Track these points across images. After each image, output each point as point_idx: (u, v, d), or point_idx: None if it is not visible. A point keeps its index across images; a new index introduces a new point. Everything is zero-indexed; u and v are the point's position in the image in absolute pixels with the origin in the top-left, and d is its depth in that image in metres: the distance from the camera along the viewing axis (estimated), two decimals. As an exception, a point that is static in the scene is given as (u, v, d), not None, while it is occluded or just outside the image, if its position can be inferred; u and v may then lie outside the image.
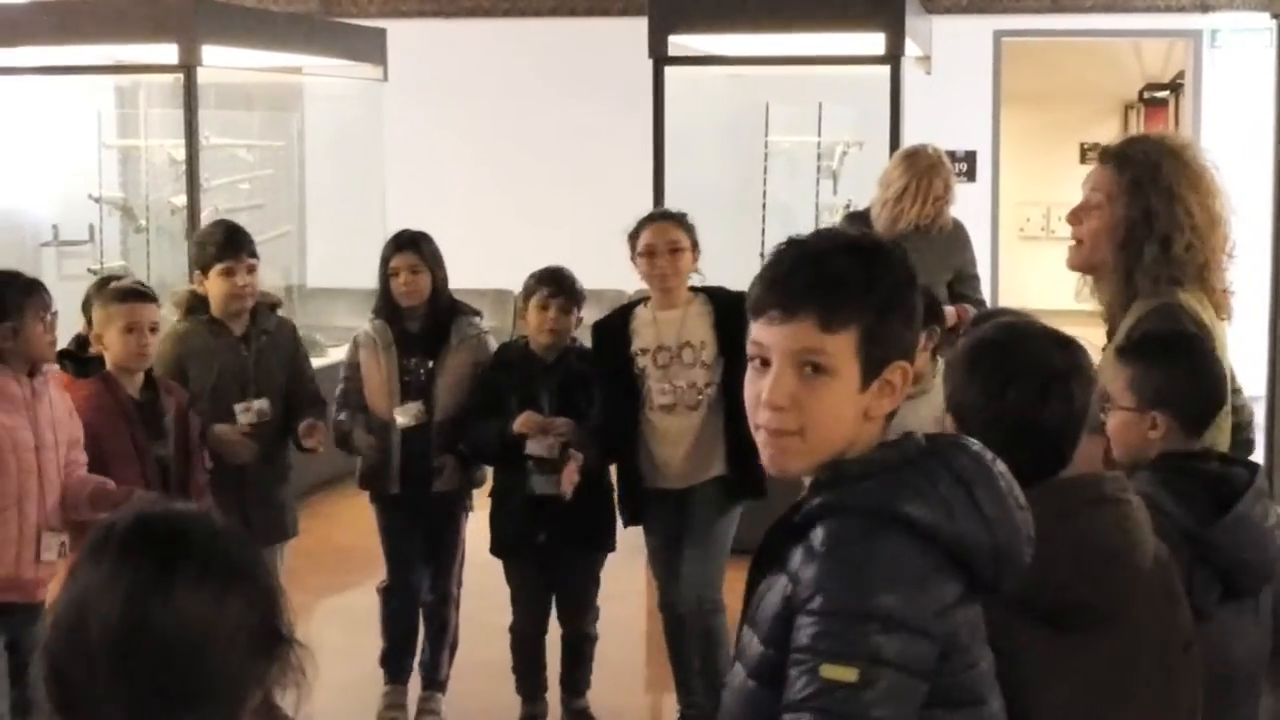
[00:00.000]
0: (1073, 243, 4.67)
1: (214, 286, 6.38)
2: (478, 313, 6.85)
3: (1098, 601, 3.09)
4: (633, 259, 6.39)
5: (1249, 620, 3.84)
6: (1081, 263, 4.67)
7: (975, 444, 2.67)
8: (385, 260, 6.62)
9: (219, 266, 6.35)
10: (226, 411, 6.35)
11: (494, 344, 6.79)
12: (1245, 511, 3.72)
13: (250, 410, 6.38)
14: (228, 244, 6.40)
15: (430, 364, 6.61)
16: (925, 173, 7.46)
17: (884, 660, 2.42)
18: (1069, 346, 3.23)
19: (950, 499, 2.52)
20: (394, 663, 6.85)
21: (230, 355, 6.41)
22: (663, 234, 6.33)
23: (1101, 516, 3.13)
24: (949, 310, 7.26)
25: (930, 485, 2.53)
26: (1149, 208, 4.47)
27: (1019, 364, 3.16)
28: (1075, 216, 4.65)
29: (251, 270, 6.43)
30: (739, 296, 2.89)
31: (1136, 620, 3.15)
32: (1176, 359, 3.85)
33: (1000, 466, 2.63)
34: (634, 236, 6.39)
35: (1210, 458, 3.76)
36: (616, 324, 6.46)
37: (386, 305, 6.66)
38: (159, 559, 2.08)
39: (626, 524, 6.54)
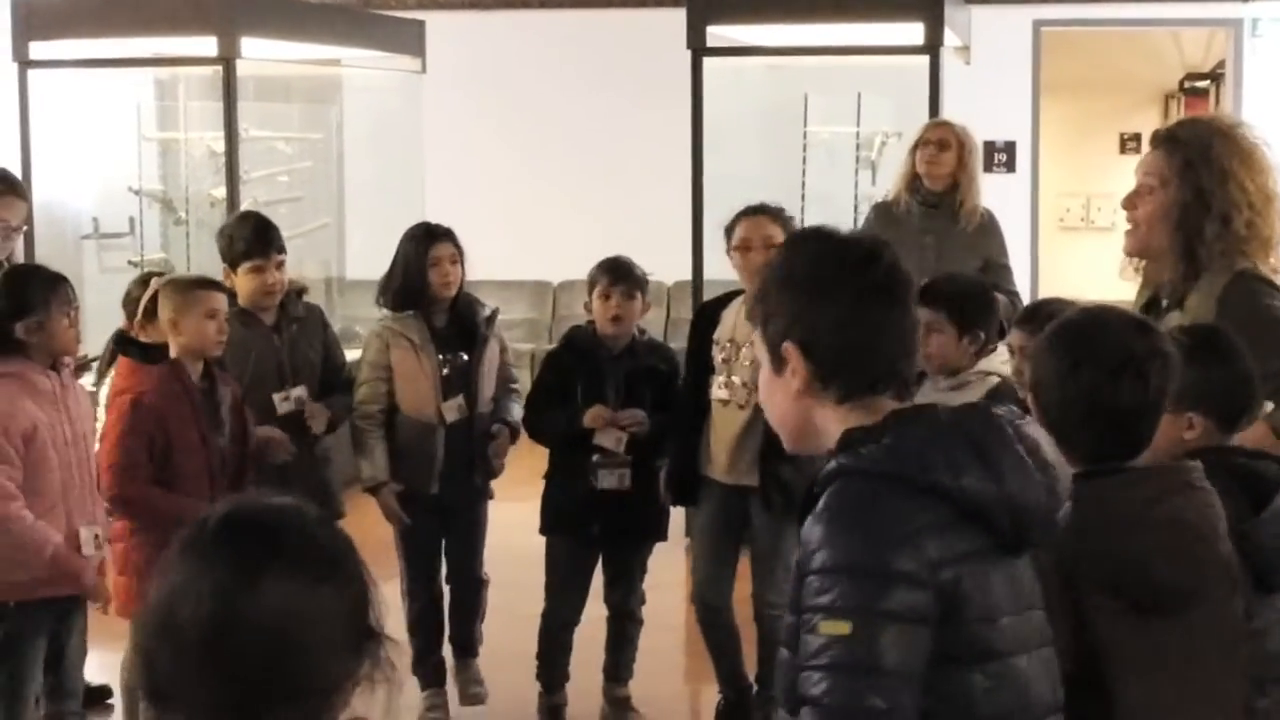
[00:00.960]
0: (1129, 227, 4.70)
1: (244, 283, 6.36)
2: (485, 303, 6.80)
3: (1191, 584, 3.15)
4: (728, 252, 6.37)
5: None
6: (1138, 247, 4.70)
7: (1000, 410, 2.75)
8: (419, 251, 6.53)
9: (248, 264, 6.33)
10: (263, 402, 6.35)
11: (522, 336, 6.81)
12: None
13: (289, 399, 6.40)
14: (257, 241, 6.37)
15: (465, 358, 6.60)
16: (931, 125, 7.72)
17: (878, 612, 2.50)
18: (1149, 332, 3.30)
19: (956, 457, 2.59)
20: (427, 666, 6.79)
21: (264, 345, 6.40)
22: (758, 229, 6.25)
23: (1192, 501, 3.21)
24: None
25: (932, 445, 2.61)
26: (1201, 187, 4.48)
27: (1094, 346, 3.23)
28: (1130, 202, 4.68)
29: (280, 266, 6.41)
30: None
31: (1214, 606, 3.22)
32: (1212, 358, 3.85)
33: (1028, 429, 2.71)
34: (730, 229, 6.35)
35: (1240, 453, 3.76)
36: (712, 309, 6.49)
37: (415, 298, 6.58)
38: (249, 553, 2.08)
39: (673, 503, 6.58)
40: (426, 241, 6.55)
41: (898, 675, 2.50)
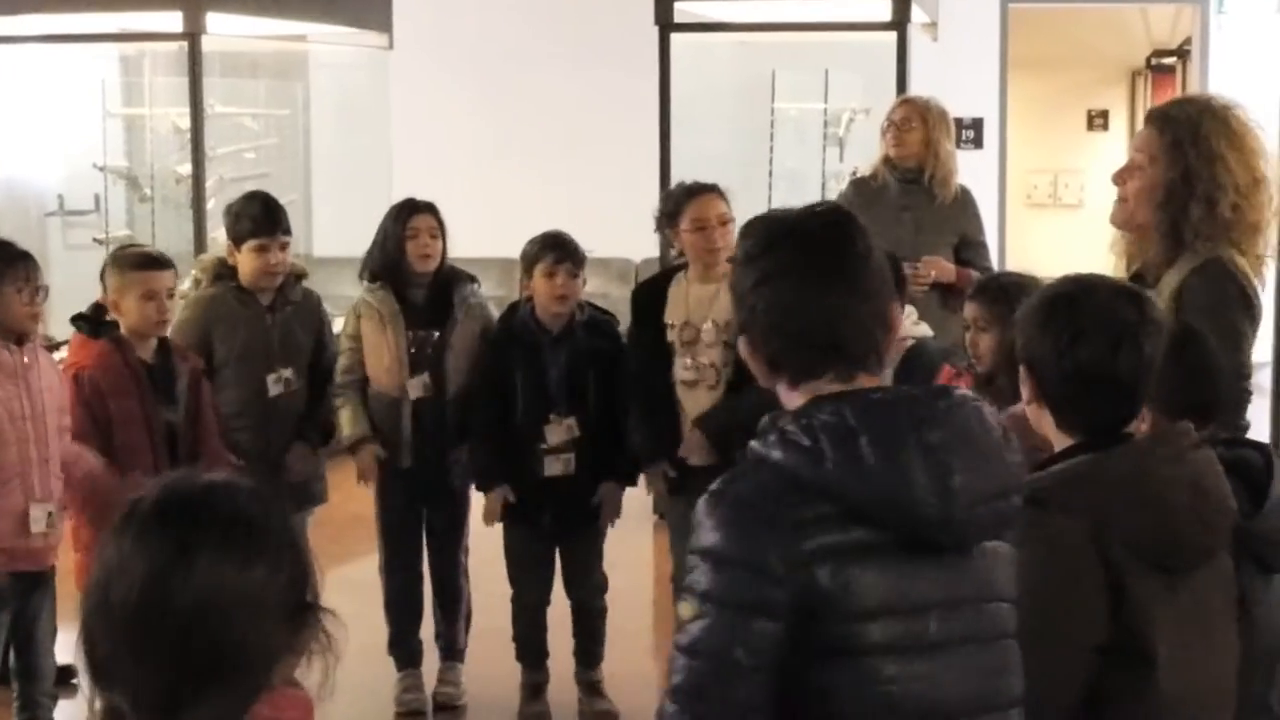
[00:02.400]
0: (1118, 202, 4.73)
1: (246, 261, 6.37)
2: (474, 279, 6.75)
3: (1209, 541, 3.22)
4: (664, 231, 6.31)
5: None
6: (1124, 221, 4.75)
7: (907, 392, 2.71)
8: (399, 223, 6.50)
9: (253, 243, 6.34)
10: (251, 380, 6.39)
11: (495, 312, 6.74)
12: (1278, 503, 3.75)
13: (280, 380, 6.42)
14: (265, 220, 6.38)
15: (437, 335, 6.56)
16: (898, 107, 7.67)
17: (713, 597, 2.51)
18: (1137, 299, 3.30)
19: (827, 450, 2.54)
20: (404, 647, 6.77)
21: (255, 324, 6.41)
22: (713, 207, 6.20)
23: (1204, 459, 3.26)
24: (950, 267, 7.32)
25: (808, 434, 2.56)
26: (1189, 167, 4.51)
27: (1090, 318, 3.21)
28: (1120, 176, 4.73)
29: (284, 248, 6.43)
30: None
31: (1219, 561, 3.30)
32: (1171, 356, 3.86)
33: (955, 421, 2.63)
34: (675, 211, 6.26)
35: (1217, 442, 3.78)
36: (655, 291, 6.39)
37: (392, 271, 6.55)
38: (180, 532, 2.07)
39: (670, 492, 6.41)
40: (406, 213, 6.52)
41: (737, 666, 2.50)
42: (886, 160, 7.59)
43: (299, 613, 2.14)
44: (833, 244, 2.71)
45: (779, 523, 2.52)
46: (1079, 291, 3.28)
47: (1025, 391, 3.32)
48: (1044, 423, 3.31)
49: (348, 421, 6.53)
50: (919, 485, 2.54)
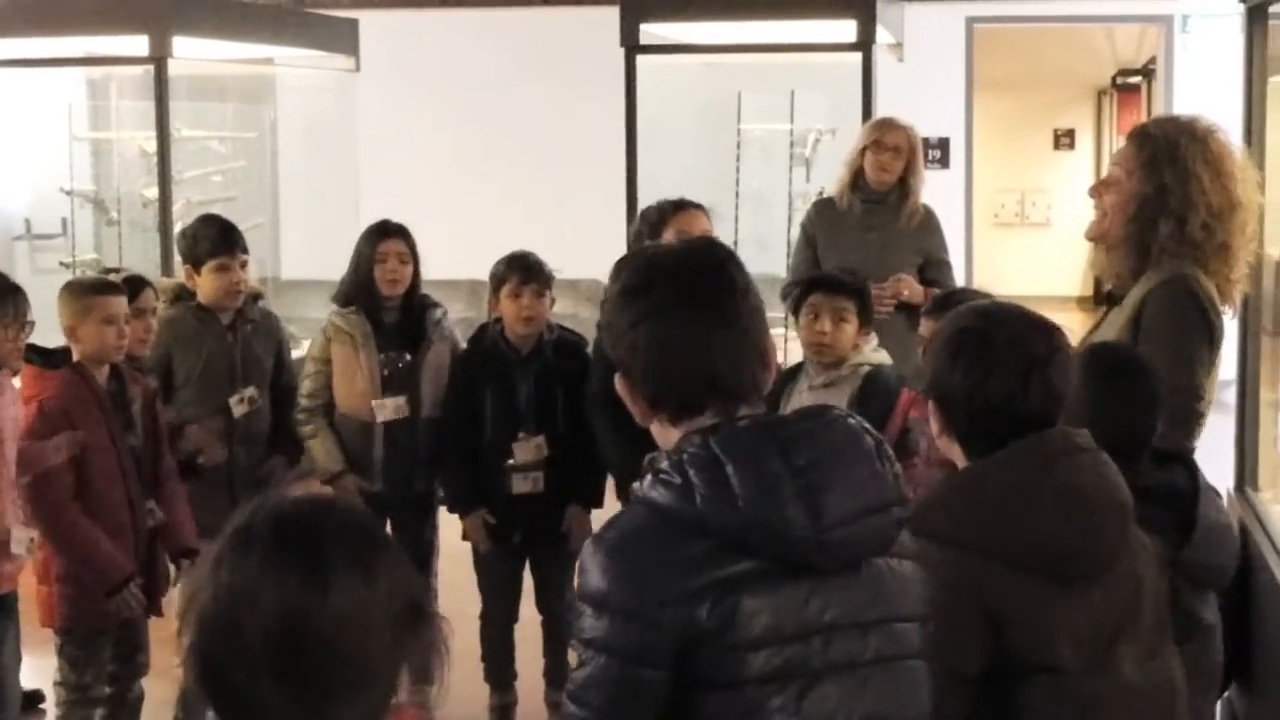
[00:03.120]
0: (1095, 214, 4.77)
1: (206, 283, 6.37)
2: (438, 304, 6.78)
3: (1093, 548, 3.16)
4: (642, 244, 6.30)
5: None
6: (1098, 233, 4.80)
7: (773, 416, 2.70)
8: (370, 247, 6.53)
9: (213, 263, 6.34)
10: (212, 398, 6.38)
11: (459, 336, 6.76)
12: (1207, 517, 3.76)
13: (244, 400, 6.41)
14: (222, 241, 6.39)
15: (409, 357, 6.57)
16: (886, 127, 7.54)
17: (597, 645, 2.52)
18: (1048, 331, 3.27)
19: (696, 484, 2.53)
20: None
21: (217, 343, 6.41)
22: (698, 223, 6.22)
23: (1079, 464, 3.21)
24: (918, 287, 7.31)
25: (679, 471, 2.55)
26: (1163, 184, 4.54)
27: (1000, 352, 3.19)
28: (1096, 190, 4.77)
29: (244, 266, 6.44)
30: None
31: (1132, 569, 3.24)
32: (1111, 386, 3.87)
33: (827, 443, 2.60)
34: (659, 222, 6.25)
35: (1147, 460, 3.79)
36: None
37: (363, 295, 6.57)
38: (310, 556, 2.07)
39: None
40: (377, 237, 6.54)
41: (623, 715, 2.52)
42: (856, 181, 7.55)
43: (418, 623, 2.16)
44: (710, 281, 2.68)
45: (657, 565, 2.51)
46: (988, 325, 3.26)
47: (934, 423, 3.31)
48: (954, 452, 3.30)
49: (324, 454, 6.53)
50: (789, 509, 2.52)
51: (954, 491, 3.22)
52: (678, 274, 2.68)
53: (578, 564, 2.60)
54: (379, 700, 2.13)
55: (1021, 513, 3.12)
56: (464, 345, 6.67)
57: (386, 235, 6.55)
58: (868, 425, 2.70)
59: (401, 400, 6.50)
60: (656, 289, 2.66)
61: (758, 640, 2.50)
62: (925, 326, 5.27)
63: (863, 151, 7.49)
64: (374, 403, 6.48)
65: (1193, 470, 3.93)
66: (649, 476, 2.59)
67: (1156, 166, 4.58)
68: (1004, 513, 3.13)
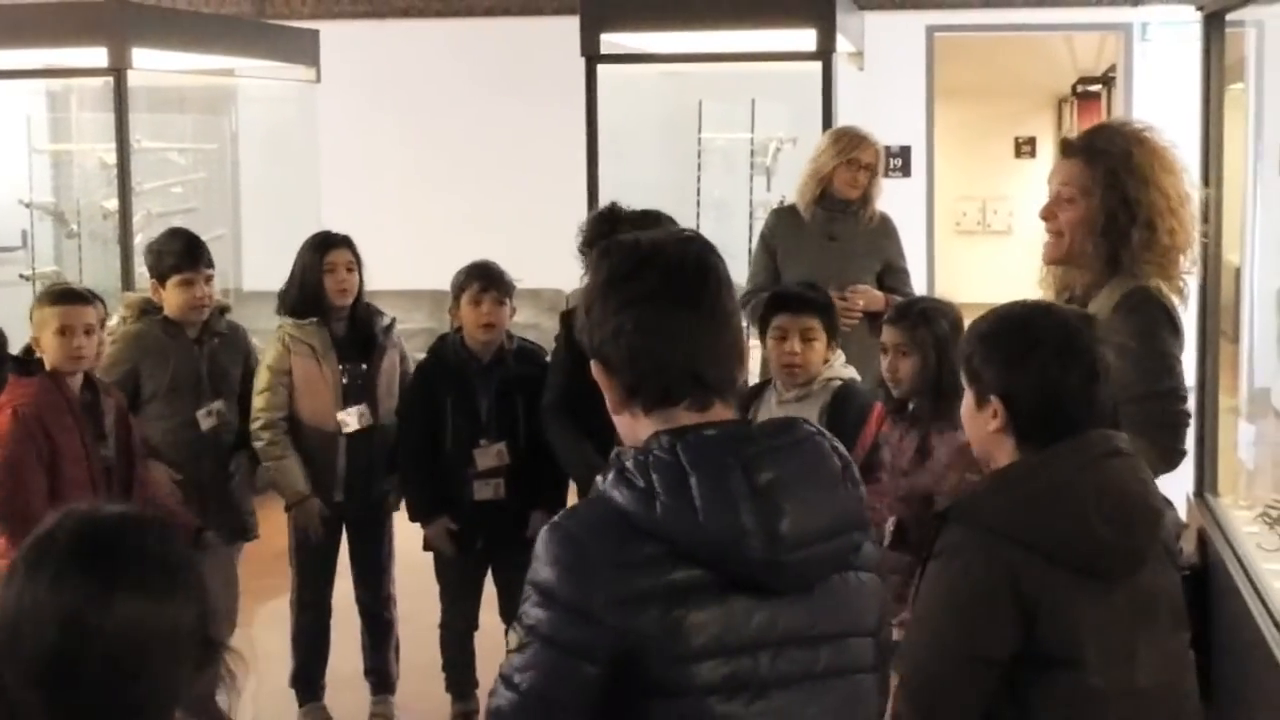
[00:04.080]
0: (1050, 237, 4.74)
1: (172, 296, 6.38)
2: (384, 312, 6.78)
3: (1130, 544, 3.27)
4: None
5: None
6: (1063, 255, 4.75)
7: (743, 430, 2.66)
8: (316, 257, 6.52)
9: (177, 278, 6.35)
10: (181, 411, 6.39)
11: (422, 346, 6.77)
12: None
13: (212, 414, 6.41)
14: (187, 254, 6.40)
15: (364, 366, 6.57)
16: (852, 141, 7.49)
17: (538, 632, 2.53)
18: (1088, 324, 3.46)
19: (659, 492, 2.52)
20: (306, 680, 6.78)
21: (185, 356, 6.42)
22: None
23: (1120, 466, 3.32)
24: (878, 295, 7.31)
25: (642, 474, 2.55)
26: (1127, 196, 4.55)
27: (1075, 353, 3.33)
28: (1049, 212, 4.73)
29: (209, 280, 6.44)
30: None
31: (1153, 576, 3.35)
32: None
33: (790, 459, 2.60)
34: (612, 231, 6.22)
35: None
36: None
37: (313, 306, 6.56)
38: (101, 569, 2.05)
39: None
40: (323, 248, 6.55)
41: (553, 704, 2.52)
42: (821, 194, 7.49)
43: (205, 651, 2.13)
44: (697, 272, 2.68)
45: (607, 564, 2.50)
46: (1056, 325, 3.39)
47: (992, 423, 3.37)
48: (1002, 451, 3.37)
49: (292, 478, 6.52)
50: (746, 529, 2.51)
51: (1005, 484, 3.31)
52: (664, 264, 2.67)
53: (535, 547, 2.59)
54: None
55: (1065, 509, 3.22)
56: (413, 355, 6.71)
57: (333, 245, 6.56)
58: (837, 444, 2.70)
59: (364, 409, 6.52)
60: (642, 277, 2.65)
61: (704, 650, 2.49)
62: (888, 334, 5.29)
63: (834, 165, 7.46)
64: (340, 415, 6.49)
65: None
66: (613, 472, 2.59)
67: (1117, 180, 4.58)
68: (1049, 508, 3.22)
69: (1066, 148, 4.82)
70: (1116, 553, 3.24)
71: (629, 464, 2.57)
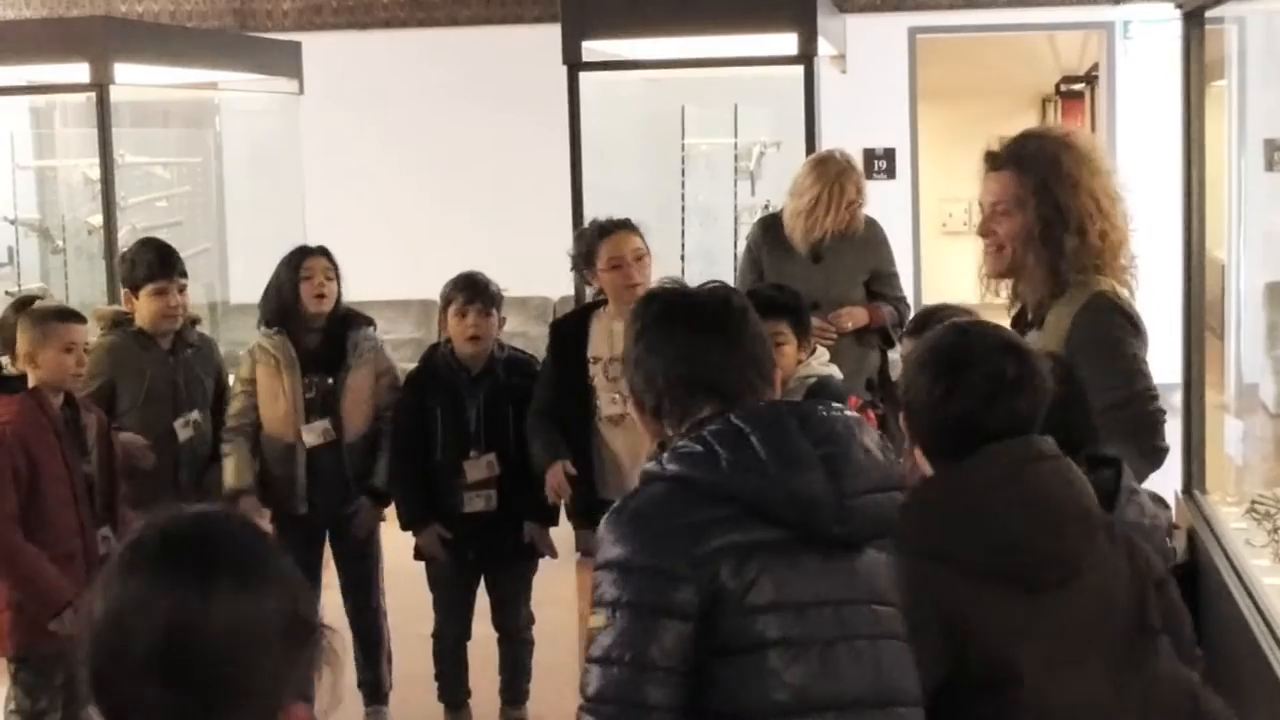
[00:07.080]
0: (990, 251, 4.74)
1: (145, 306, 6.39)
2: (371, 321, 6.77)
3: (1059, 549, 3.19)
4: (580, 271, 6.32)
5: None
6: (1006, 268, 4.76)
7: (801, 405, 2.88)
8: (292, 267, 6.53)
9: (151, 287, 6.37)
10: (157, 422, 6.40)
11: (392, 355, 6.77)
12: (1124, 519, 3.77)
13: (188, 424, 6.42)
14: (160, 264, 6.42)
15: (330, 381, 6.56)
16: (836, 179, 7.41)
17: (622, 603, 2.61)
18: (1019, 352, 3.33)
19: (721, 452, 2.68)
20: None
21: (159, 368, 6.44)
22: (628, 243, 6.20)
23: (1044, 471, 3.24)
24: (861, 313, 7.29)
25: (700, 443, 2.71)
26: (1059, 202, 4.56)
27: (965, 371, 3.25)
28: (986, 228, 4.74)
29: (182, 290, 6.47)
30: None
31: (1100, 579, 3.24)
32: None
33: (833, 424, 2.80)
34: (589, 251, 6.23)
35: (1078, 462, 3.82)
36: (574, 326, 6.36)
37: (287, 316, 6.55)
38: (194, 569, 2.09)
39: (578, 527, 6.40)
40: (300, 256, 6.57)
41: (650, 667, 2.58)
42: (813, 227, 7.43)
43: (304, 633, 2.19)
44: (712, 305, 2.94)
45: (678, 528, 2.63)
46: (958, 343, 3.33)
47: (909, 436, 3.38)
48: (923, 464, 3.35)
49: (232, 472, 6.53)
50: (813, 474, 2.67)
51: (918, 500, 3.22)
52: (686, 306, 2.95)
53: (598, 536, 2.71)
54: (266, 710, 2.14)
55: (985, 519, 3.15)
56: (400, 366, 6.72)
57: (309, 254, 6.60)
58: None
59: (326, 424, 6.52)
60: (666, 319, 2.93)
61: (769, 605, 2.63)
62: (906, 346, 5.29)
63: (829, 204, 7.36)
64: (302, 427, 6.49)
65: (1119, 473, 3.95)
66: (663, 455, 2.75)
67: (1048, 188, 4.60)
68: (967, 519, 3.16)
69: (994, 160, 4.83)
70: (1046, 560, 3.16)
71: (680, 442, 2.74)
